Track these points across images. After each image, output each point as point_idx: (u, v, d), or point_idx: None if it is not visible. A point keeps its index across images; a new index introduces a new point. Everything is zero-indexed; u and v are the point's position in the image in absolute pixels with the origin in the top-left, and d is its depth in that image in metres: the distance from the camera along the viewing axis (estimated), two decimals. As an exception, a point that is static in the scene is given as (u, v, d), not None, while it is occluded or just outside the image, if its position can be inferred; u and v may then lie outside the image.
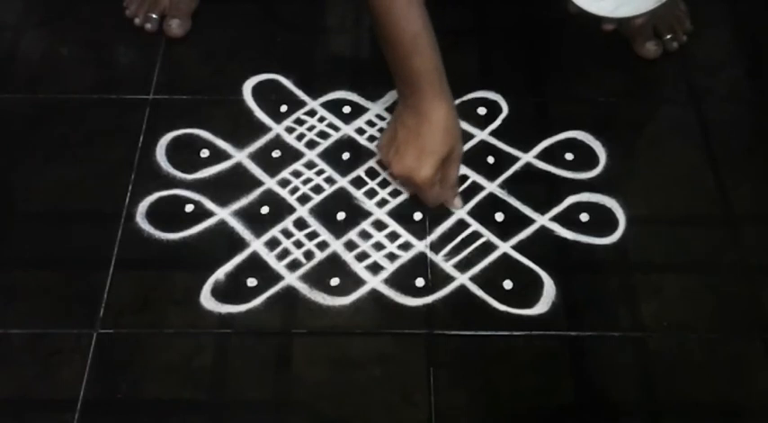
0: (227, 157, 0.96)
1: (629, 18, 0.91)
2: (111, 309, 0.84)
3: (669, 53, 1.06)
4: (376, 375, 0.80)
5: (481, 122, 0.99)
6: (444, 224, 0.91)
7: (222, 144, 0.97)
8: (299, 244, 0.89)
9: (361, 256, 0.88)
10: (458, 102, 1.00)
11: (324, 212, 0.91)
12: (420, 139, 0.86)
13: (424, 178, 0.86)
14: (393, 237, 0.90)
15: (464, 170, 0.95)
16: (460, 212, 0.91)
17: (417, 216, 0.91)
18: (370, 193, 0.93)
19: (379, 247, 0.89)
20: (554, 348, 0.82)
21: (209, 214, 0.91)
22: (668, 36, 1.05)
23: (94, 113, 1.00)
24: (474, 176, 0.94)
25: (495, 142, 0.98)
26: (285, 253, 0.88)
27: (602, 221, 0.91)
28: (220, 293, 0.85)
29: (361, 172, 0.95)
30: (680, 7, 1.08)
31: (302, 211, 0.92)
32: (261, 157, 0.96)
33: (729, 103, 1.03)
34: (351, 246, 0.89)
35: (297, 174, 0.95)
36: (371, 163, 0.96)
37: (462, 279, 0.86)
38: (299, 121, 0.99)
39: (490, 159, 0.96)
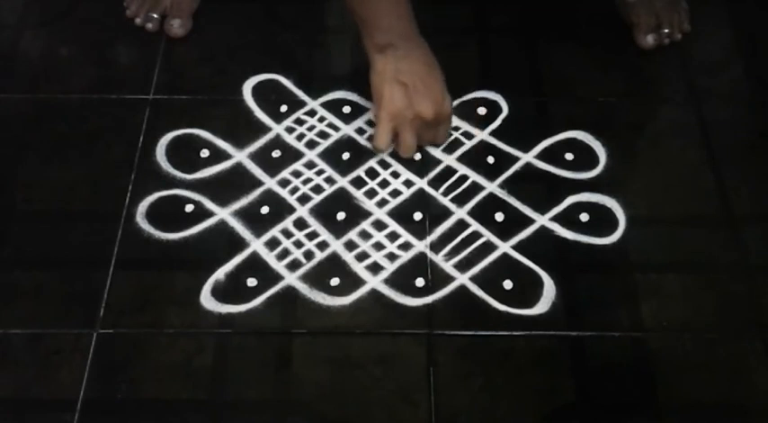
0: (227, 157, 0.96)
1: None
2: (111, 309, 0.84)
3: (661, 47, 1.06)
4: (376, 375, 0.80)
5: (481, 122, 0.99)
6: (444, 224, 0.91)
7: (222, 144, 0.97)
8: (299, 244, 0.89)
9: (361, 256, 0.88)
10: (458, 102, 1.00)
11: (324, 212, 0.91)
12: (431, 75, 0.91)
13: (450, 105, 0.93)
14: (393, 237, 0.90)
15: (464, 170, 0.95)
16: (460, 212, 0.91)
17: (417, 216, 0.91)
18: (370, 193, 0.93)
19: (379, 247, 0.89)
20: (554, 348, 0.82)
21: (209, 214, 0.91)
22: (666, 30, 1.06)
23: (94, 113, 1.00)
24: (474, 176, 0.94)
25: (495, 142, 0.98)
26: (285, 253, 0.88)
27: (602, 221, 0.91)
28: (220, 293, 0.85)
29: (361, 172, 0.95)
30: (682, 5, 1.08)
31: (302, 211, 0.92)
32: (261, 157, 0.96)
33: (729, 103, 1.03)
34: (351, 246, 0.89)
35: (297, 174, 0.95)
36: (371, 163, 0.96)
37: (462, 279, 0.86)
38: (299, 121, 0.99)
39: (490, 159, 0.96)
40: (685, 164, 0.97)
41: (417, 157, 0.96)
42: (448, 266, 0.87)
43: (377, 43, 0.91)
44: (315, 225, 0.90)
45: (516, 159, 0.96)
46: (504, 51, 1.07)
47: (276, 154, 0.96)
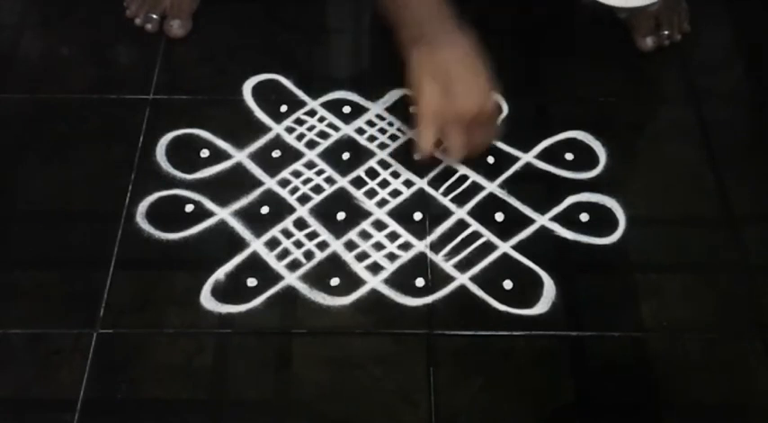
0: (227, 157, 0.96)
1: (642, 7, 0.90)
2: (111, 309, 0.84)
3: (661, 48, 1.06)
4: (376, 375, 0.80)
5: (481, 122, 0.99)
6: (444, 224, 0.91)
7: (222, 144, 0.97)
8: (299, 244, 0.89)
9: (361, 256, 0.88)
10: (458, 102, 1.00)
11: (324, 212, 0.91)
12: (470, 69, 0.85)
13: (495, 101, 0.88)
14: (393, 237, 0.90)
15: (464, 170, 0.95)
16: (460, 212, 0.91)
17: (417, 216, 0.91)
18: (370, 193, 0.93)
19: (379, 247, 0.89)
20: (554, 348, 0.82)
21: (209, 214, 0.91)
22: (665, 32, 1.06)
23: (94, 113, 1.00)
24: (474, 176, 0.94)
25: (495, 142, 0.98)
26: (285, 253, 0.88)
27: (602, 221, 0.91)
28: (220, 293, 0.85)
29: (361, 172, 0.95)
30: (682, 5, 1.08)
31: (302, 211, 0.92)
32: (261, 157, 0.96)
33: (729, 103, 1.03)
34: (351, 246, 0.89)
35: (297, 174, 0.95)
36: (371, 163, 0.96)
37: (462, 279, 0.86)
38: (299, 121, 0.99)
39: (490, 159, 0.96)
40: (685, 164, 0.97)
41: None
42: (448, 266, 0.87)
43: (411, 36, 0.85)
44: (315, 225, 0.90)
45: (516, 159, 0.96)
46: (504, 51, 1.07)
47: (276, 154, 0.96)
